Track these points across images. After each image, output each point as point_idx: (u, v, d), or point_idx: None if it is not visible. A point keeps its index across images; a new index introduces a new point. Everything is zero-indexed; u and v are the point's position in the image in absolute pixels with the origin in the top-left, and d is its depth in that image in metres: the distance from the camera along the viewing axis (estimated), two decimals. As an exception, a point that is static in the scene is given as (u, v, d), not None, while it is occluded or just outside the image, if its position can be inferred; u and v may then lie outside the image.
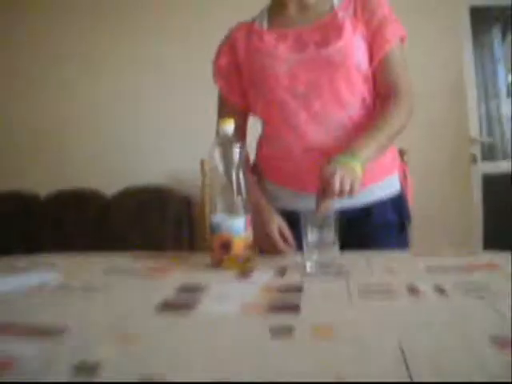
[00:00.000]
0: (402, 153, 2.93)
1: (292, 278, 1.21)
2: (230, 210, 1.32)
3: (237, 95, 1.70)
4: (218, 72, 1.71)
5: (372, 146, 1.42)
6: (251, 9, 1.72)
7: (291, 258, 1.40)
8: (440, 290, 1.04)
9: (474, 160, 3.77)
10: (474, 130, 3.78)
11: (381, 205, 1.62)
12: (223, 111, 1.72)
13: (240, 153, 1.33)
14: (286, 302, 1.00)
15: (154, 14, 3.66)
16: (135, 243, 3.28)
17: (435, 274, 1.17)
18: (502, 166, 3.84)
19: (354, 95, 1.56)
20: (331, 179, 1.29)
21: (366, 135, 1.44)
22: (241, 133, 1.69)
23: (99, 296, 1.11)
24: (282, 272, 1.26)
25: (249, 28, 1.67)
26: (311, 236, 1.25)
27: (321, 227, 1.25)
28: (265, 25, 1.65)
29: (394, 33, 1.57)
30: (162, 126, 3.68)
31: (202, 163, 3.06)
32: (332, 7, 1.59)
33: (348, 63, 1.53)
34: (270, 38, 1.60)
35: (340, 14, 1.57)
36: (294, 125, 1.56)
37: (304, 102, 1.54)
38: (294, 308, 0.96)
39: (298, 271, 1.26)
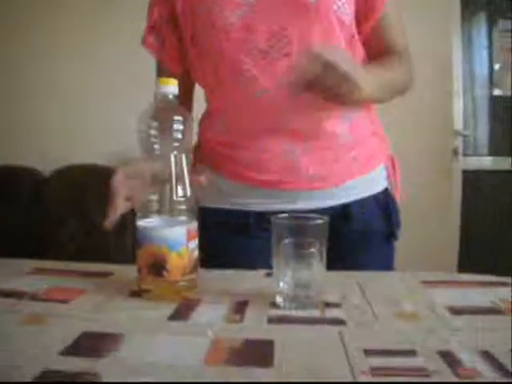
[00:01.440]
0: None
1: (255, 319, 0.80)
2: (167, 213, 0.89)
3: (172, 58, 1.28)
4: (149, 28, 1.28)
5: (385, 77, 1.17)
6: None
7: (255, 280, 0.99)
8: (496, 365, 0.64)
9: (455, 154, 3.50)
10: (457, 122, 3.52)
11: (363, 206, 1.24)
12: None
13: (184, 125, 0.91)
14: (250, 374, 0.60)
15: None
16: (72, 226, 3.13)
17: (471, 329, 0.78)
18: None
19: None
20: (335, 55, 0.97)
21: (376, 64, 1.20)
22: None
23: None
24: (240, 307, 0.84)
25: None
26: (284, 251, 0.84)
27: (299, 238, 0.84)
28: None
29: None
30: (108, 103, 3.37)
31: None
32: None
33: (325, 9, 1.12)
34: None
35: None
36: (251, 95, 1.14)
37: (265, 63, 1.13)
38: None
39: (263, 305, 0.86)
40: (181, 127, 0.92)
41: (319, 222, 0.84)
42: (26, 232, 3.04)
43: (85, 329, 0.75)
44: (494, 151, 3.68)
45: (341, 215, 1.21)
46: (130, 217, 2.83)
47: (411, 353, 0.68)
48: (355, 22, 1.20)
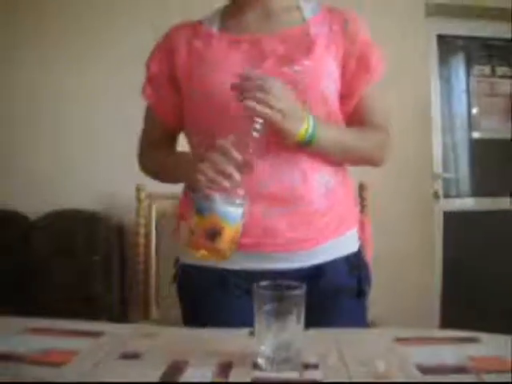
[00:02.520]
0: (362, 187, 2.74)
1: (240, 381, 0.87)
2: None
3: (167, 112, 1.38)
4: (149, 79, 1.38)
5: (336, 133, 1.25)
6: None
7: (238, 339, 1.05)
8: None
9: (436, 196, 3.57)
10: (436, 165, 3.59)
11: (334, 266, 1.31)
12: (149, 125, 1.43)
13: None
14: None
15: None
16: (59, 271, 3.01)
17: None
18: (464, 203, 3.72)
19: None
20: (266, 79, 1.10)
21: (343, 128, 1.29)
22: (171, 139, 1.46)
23: None
24: (225, 369, 0.90)
25: (194, 30, 1.33)
26: (265, 317, 0.91)
27: (279, 304, 0.91)
28: (215, 28, 1.32)
29: (377, 64, 1.30)
30: (94, 147, 3.32)
31: (138, 189, 2.77)
32: (303, 19, 1.29)
33: (313, 89, 1.22)
34: (219, 45, 1.27)
35: (312, 29, 1.26)
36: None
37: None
38: None
39: (247, 366, 0.92)
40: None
41: (298, 291, 0.91)
42: (13, 277, 2.99)
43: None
44: (475, 192, 3.75)
45: (313, 274, 1.27)
46: (116, 262, 2.86)
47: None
48: (338, 97, 1.28)
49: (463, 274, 3.50)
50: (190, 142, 1.35)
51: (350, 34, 1.27)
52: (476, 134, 3.75)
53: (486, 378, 0.88)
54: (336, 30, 1.27)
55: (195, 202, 1.06)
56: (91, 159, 3.31)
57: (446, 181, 3.66)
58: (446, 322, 3.25)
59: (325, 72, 1.23)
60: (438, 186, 3.59)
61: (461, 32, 3.66)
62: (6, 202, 3.22)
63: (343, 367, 0.92)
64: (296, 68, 1.20)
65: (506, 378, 0.88)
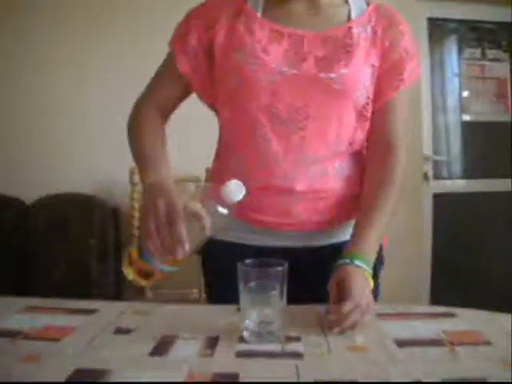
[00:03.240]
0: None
1: (225, 354, 0.92)
2: None
3: (204, 85, 1.32)
4: (185, 51, 1.29)
5: (378, 238, 1.23)
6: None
7: (227, 315, 1.10)
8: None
9: (426, 178, 3.61)
10: (427, 147, 3.61)
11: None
12: (164, 79, 1.35)
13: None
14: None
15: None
16: (55, 254, 3.05)
17: (411, 361, 0.91)
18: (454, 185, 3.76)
19: (342, 136, 1.27)
20: (362, 296, 1.06)
21: (371, 223, 1.22)
22: (167, 114, 1.38)
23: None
24: (212, 343, 0.96)
25: (238, 7, 1.26)
26: (249, 293, 0.98)
27: (263, 281, 0.97)
28: (259, 11, 1.25)
29: (411, 73, 1.28)
30: (89, 132, 3.34)
31: (132, 172, 2.81)
32: (349, 17, 1.27)
33: (347, 96, 1.23)
34: (261, 33, 1.23)
35: (355, 31, 1.24)
36: (262, 153, 1.25)
37: (282, 130, 1.23)
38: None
39: (233, 339, 0.98)
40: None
41: (280, 268, 0.97)
42: (9, 261, 3.02)
43: (77, 366, 0.86)
44: (465, 174, 3.80)
45: (331, 253, 1.29)
46: (111, 245, 2.90)
47: (352, 382, 0.80)
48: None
49: (452, 255, 3.55)
50: (221, 116, 1.34)
51: (392, 39, 1.26)
52: (466, 117, 3.77)
53: (461, 350, 0.93)
54: (379, 34, 1.25)
55: (141, 246, 1.05)
56: (87, 143, 3.33)
57: (436, 163, 3.70)
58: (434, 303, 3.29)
59: (361, 82, 1.23)
60: (428, 168, 3.63)
61: (452, 15, 3.67)
62: (2, 186, 3.23)
63: (324, 341, 0.98)
64: (332, 76, 1.19)
65: (480, 351, 0.93)
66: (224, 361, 0.89)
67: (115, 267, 3.15)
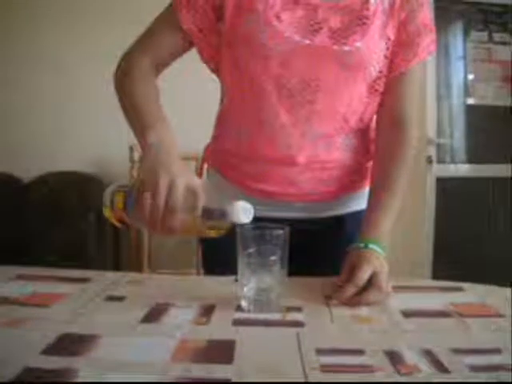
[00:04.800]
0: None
1: (221, 322, 0.87)
2: None
3: (207, 44, 1.23)
4: (190, 7, 1.19)
5: (391, 221, 1.18)
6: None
7: (224, 285, 1.05)
8: (435, 362, 0.71)
9: (429, 162, 3.57)
10: (431, 130, 3.57)
11: (355, 218, 1.28)
12: (163, 32, 1.23)
13: None
14: (212, 377, 0.66)
15: None
16: (52, 233, 3.06)
17: (420, 331, 0.85)
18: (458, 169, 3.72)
19: (352, 111, 1.21)
20: (381, 275, 1.01)
21: (384, 206, 1.18)
22: (160, 69, 1.25)
23: None
24: (208, 311, 0.91)
25: None
26: (248, 259, 0.92)
27: (262, 246, 0.92)
28: None
29: (427, 47, 1.22)
30: (87, 110, 3.31)
31: (131, 149, 2.78)
32: None
33: (360, 70, 1.17)
34: (275, 0, 1.15)
35: (372, 2, 1.17)
36: (268, 124, 1.20)
37: (290, 103, 1.17)
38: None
39: (230, 308, 0.93)
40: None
41: (280, 232, 0.91)
42: (6, 240, 3.00)
43: (65, 331, 0.81)
44: (469, 159, 3.75)
45: (334, 225, 1.29)
46: (109, 225, 2.86)
47: (359, 352, 0.75)
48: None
49: (454, 240, 3.52)
50: (225, 82, 1.27)
51: (410, 11, 1.19)
52: (471, 100, 3.73)
53: (471, 321, 0.89)
54: (397, 6, 1.19)
55: (127, 197, 0.97)
56: (84, 121, 3.29)
57: (439, 147, 3.66)
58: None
59: (375, 56, 1.17)
60: (432, 152, 3.58)
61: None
62: (0, 165, 3.21)
63: (327, 311, 0.93)
64: (346, 49, 1.13)
65: (490, 322, 0.89)
66: (220, 328, 0.84)
67: (113, 246, 3.13)
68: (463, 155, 3.78)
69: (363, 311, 0.94)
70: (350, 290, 0.98)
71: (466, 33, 3.72)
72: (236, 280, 0.98)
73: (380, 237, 1.12)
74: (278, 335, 0.82)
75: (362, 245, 1.09)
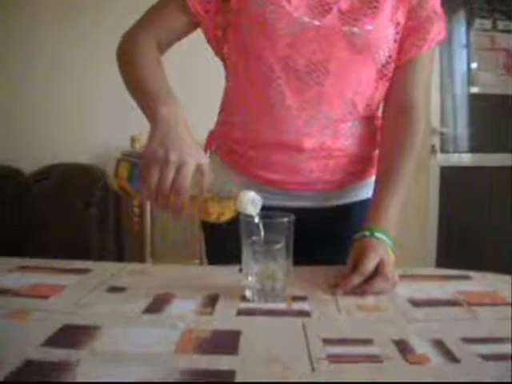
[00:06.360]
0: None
1: (225, 312, 0.85)
2: None
3: (213, 24, 1.21)
4: None
5: (398, 209, 1.14)
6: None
7: (228, 275, 1.04)
8: (445, 352, 0.70)
9: (433, 151, 3.55)
10: (434, 119, 3.55)
11: (363, 207, 1.25)
12: (168, 11, 1.20)
13: None
14: (216, 369, 0.65)
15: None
16: (55, 225, 3.02)
17: (429, 320, 0.83)
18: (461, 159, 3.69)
19: (360, 95, 1.19)
20: (387, 264, 0.99)
21: (390, 194, 1.14)
22: (162, 49, 1.22)
23: None
24: (211, 301, 0.89)
25: None
26: (253, 247, 0.90)
27: (267, 235, 0.90)
28: None
29: (437, 34, 1.20)
30: (88, 100, 3.27)
31: (133, 139, 2.76)
32: None
33: (369, 53, 1.15)
34: None
35: None
36: (274, 107, 1.18)
37: (297, 85, 1.15)
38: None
39: (234, 298, 0.91)
40: None
41: (285, 220, 0.89)
42: (9, 232, 3.00)
43: (65, 322, 0.79)
44: (472, 148, 3.72)
45: (341, 214, 1.27)
46: (112, 216, 2.85)
47: (367, 341, 0.73)
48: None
49: (458, 229, 3.50)
50: (230, 64, 1.25)
51: None
52: (475, 89, 3.69)
53: (480, 310, 0.87)
54: None
55: (133, 167, 0.96)
56: (86, 112, 3.26)
57: (443, 136, 3.62)
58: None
59: (384, 40, 1.15)
60: (436, 141, 3.55)
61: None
62: (1, 158, 3.20)
63: (333, 300, 0.91)
64: (356, 30, 1.11)
65: (499, 311, 0.87)
66: (224, 319, 0.82)
67: (116, 238, 3.11)
68: (467, 144, 3.74)
69: (370, 300, 0.92)
70: (357, 278, 0.96)
71: (469, 21, 3.67)
72: (241, 270, 0.96)
73: (386, 225, 1.09)
74: (283, 325, 0.80)
75: (367, 233, 1.07)
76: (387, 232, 1.08)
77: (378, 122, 1.29)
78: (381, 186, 1.17)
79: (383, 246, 1.04)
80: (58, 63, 3.24)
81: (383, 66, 1.18)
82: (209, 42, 1.24)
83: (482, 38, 3.68)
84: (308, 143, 1.18)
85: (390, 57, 1.18)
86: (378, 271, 0.97)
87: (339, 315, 0.85)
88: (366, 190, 1.28)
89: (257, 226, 0.89)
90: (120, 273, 1.07)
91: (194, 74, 2.77)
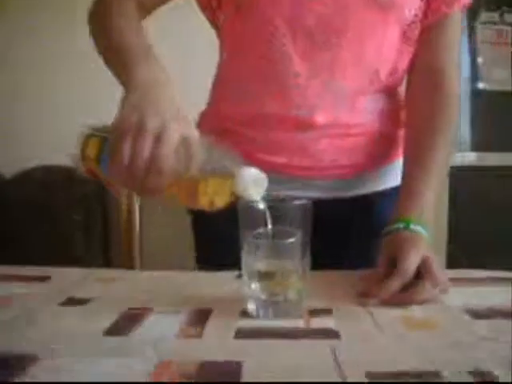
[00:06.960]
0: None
1: (219, 333, 0.61)
2: None
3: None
4: None
5: (434, 195, 0.96)
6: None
7: (223, 282, 0.80)
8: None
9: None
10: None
11: (388, 194, 1.12)
12: None
13: None
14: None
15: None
16: (37, 228, 2.78)
17: (501, 337, 0.60)
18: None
19: (381, 60, 1.03)
20: (433, 263, 0.79)
21: (425, 172, 0.97)
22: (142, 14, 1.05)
23: None
24: (201, 317, 0.65)
25: None
26: (257, 244, 0.66)
27: (276, 226, 0.66)
28: None
29: None
30: (70, 101, 3.10)
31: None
32: None
33: (393, 11, 1.00)
34: None
35: None
36: (278, 73, 1.01)
37: (306, 46, 0.99)
38: None
39: (231, 313, 0.67)
40: None
41: (300, 203, 0.65)
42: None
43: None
44: (476, 146, 3.53)
45: (363, 207, 1.12)
46: (98, 221, 2.68)
47: (434, 375, 0.49)
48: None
49: (466, 228, 3.36)
50: (225, 25, 1.10)
51: None
52: (480, 85, 3.54)
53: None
54: None
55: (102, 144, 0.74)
56: (68, 113, 3.11)
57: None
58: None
59: (410, 2, 1.02)
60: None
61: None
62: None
63: (366, 314, 0.68)
64: None
65: None
66: (218, 343, 0.58)
67: (102, 244, 2.95)
68: (471, 143, 3.57)
69: (416, 312, 0.69)
70: (395, 284, 0.74)
71: (475, 13, 3.52)
72: (239, 275, 0.73)
73: (423, 214, 0.90)
74: (303, 352, 0.56)
75: (401, 225, 0.88)
76: (425, 223, 0.88)
77: (402, 98, 1.13)
78: (412, 168, 1.00)
79: (423, 240, 0.85)
80: (36, 63, 3.11)
81: (408, 25, 1.03)
82: (200, 7, 1.11)
83: (488, 32, 3.56)
84: (319, 118, 1.01)
85: (415, 15, 1.02)
86: (421, 273, 0.77)
87: (381, 335, 0.61)
88: (390, 177, 1.11)
89: (262, 213, 0.65)
90: (84, 281, 0.84)
91: (182, 48, 2.67)
